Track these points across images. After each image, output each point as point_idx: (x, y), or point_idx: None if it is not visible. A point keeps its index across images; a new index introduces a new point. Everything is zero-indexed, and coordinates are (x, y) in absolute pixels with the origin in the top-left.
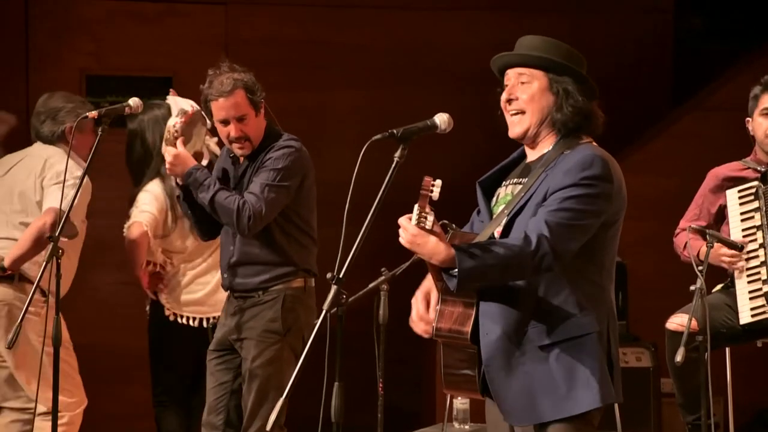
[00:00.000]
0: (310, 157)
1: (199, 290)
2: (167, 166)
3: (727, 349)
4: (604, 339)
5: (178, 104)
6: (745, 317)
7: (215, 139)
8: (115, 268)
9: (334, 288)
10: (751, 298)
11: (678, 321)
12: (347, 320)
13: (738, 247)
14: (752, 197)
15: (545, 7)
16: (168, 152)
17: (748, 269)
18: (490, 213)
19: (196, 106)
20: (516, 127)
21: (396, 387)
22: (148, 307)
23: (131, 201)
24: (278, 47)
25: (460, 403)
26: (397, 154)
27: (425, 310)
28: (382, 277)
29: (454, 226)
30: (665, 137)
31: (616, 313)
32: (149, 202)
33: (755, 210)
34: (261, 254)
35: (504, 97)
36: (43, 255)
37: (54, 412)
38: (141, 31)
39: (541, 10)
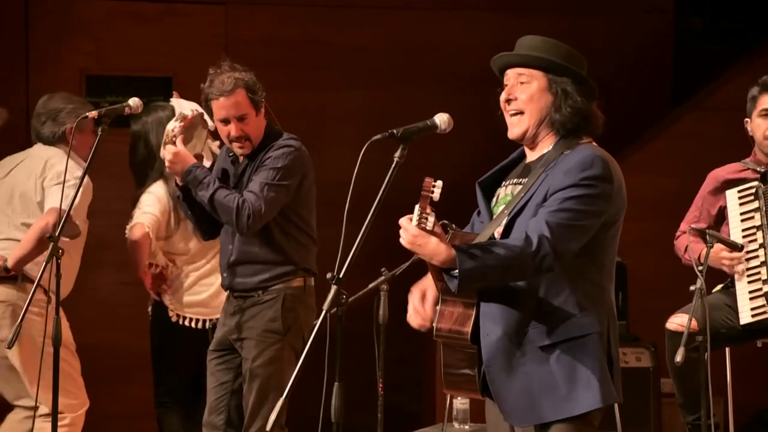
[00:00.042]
0: (310, 157)
1: (203, 292)
2: (167, 163)
3: (727, 349)
4: (604, 339)
5: (182, 107)
6: (745, 317)
7: (217, 142)
8: (115, 268)
9: (334, 288)
10: (751, 298)
11: (678, 321)
12: (347, 320)
13: (738, 248)
14: (752, 197)
15: (545, 7)
16: (168, 150)
17: (748, 269)
18: (490, 213)
19: (199, 109)
20: (515, 128)
21: (396, 387)
22: (150, 308)
23: (134, 202)
24: (278, 47)
25: (460, 403)
26: (397, 154)
27: (420, 303)
28: (382, 277)
29: (454, 226)
30: (665, 137)
31: (616, 313)
32: (152, 204)
33: (755, 210)
34: (260, 253)
35: (503, 97)
36: (46, 255)
37: (54, 413)
38: (141, 31)
39: (541, 10)
